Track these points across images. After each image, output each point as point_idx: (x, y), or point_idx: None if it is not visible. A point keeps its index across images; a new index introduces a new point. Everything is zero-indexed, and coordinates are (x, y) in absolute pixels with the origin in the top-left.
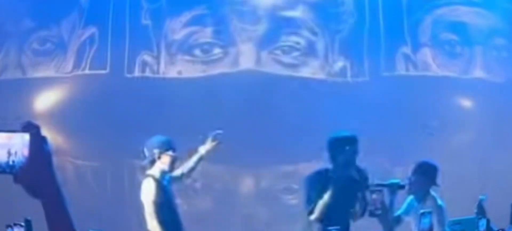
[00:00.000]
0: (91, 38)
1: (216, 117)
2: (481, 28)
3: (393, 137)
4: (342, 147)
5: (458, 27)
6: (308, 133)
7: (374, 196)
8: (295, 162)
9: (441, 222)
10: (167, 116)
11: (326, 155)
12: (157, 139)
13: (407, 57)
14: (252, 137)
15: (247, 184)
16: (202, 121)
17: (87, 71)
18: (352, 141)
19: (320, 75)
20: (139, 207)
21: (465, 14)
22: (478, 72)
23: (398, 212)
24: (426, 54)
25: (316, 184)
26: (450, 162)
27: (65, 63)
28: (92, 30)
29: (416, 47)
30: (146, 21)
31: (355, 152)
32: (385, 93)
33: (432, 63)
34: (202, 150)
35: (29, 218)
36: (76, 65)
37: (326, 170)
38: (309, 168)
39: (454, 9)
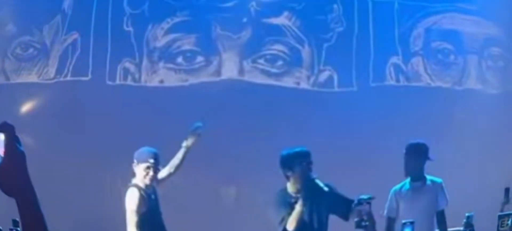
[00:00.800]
0: (73, 44)
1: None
2: (477, 37)
3: (381, 150)
4: (297, 162)
5: (452, 36)
6: (292, 145)
7: (360, 208)
8: (278, 173)
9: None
10: (148, 125)
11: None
12: (140, 150)
13: (397, 67)
14: (234, 148)
15: (229, 194)
16: (183, 130)
17: (69, 78)
18: (305, 155)
19: (305, 85)
20: (119, 213)
21: (459, 22)
22: (472, 83)
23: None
24: (418, 64)
25: (282, 201)
26: (442, 174)
27: (47, 69)
28: (74, 36)
29: (408, 56)
30: (128, 27)
31: (309, 165)
32: (374, 105)
33: (424, 73)
34: (185, 144)
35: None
36: (59, 72)
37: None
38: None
39: (448, 17)
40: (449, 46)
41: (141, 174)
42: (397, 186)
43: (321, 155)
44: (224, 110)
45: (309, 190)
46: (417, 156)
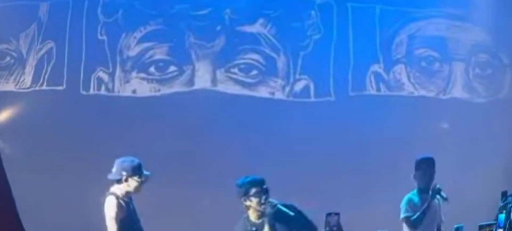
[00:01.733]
0: (48, 53)
1: (170, 137)
2: (463, 43)
3: (360, 162)
4: (254, 191)
5: (437, 42)
6: (267, 158)
7: (329, 219)
8: None
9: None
10: (121, 135)
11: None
12: (129, 161)
13: (378, 76)
14: (207, 159)
15: (203, 206)
16: (156, 141)
17: (44, 87)
18: (260, 182)
19: (281, 96)
20: (97, 221)
21: (445, 28)
22: (458, 92)
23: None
24: (401, 72)
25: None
26: None
27: (24, 77)
28: (49, 44)
29: (389, 64)
30: (102, 36)
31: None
32: (353, 115)
33: (407, 82)
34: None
35: None
36: (35, 81)
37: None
38: None
39: (433, 22)
40: (434, 53)
41: (132, 185)
42: (409, 195)
43: (297, 167)
44: (197, 122)
45: (272, 216)
46: (432, 168)
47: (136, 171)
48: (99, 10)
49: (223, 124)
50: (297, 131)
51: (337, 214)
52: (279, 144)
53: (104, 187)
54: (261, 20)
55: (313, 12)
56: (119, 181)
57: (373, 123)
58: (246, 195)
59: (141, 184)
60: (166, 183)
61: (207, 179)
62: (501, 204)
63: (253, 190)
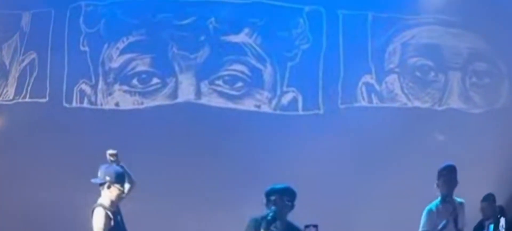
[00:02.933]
0: (31, 64)
1: (153, 151)
2: (460, 51)
3: (349, 178)
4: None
5: (432, 51)
6: (252, 172)
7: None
8: (238, 204)
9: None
10: (105, 148)
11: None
12: (113, 168)
13: (370, 87)
14: (191, 174)
15: (186, 218)
16: (139, 154)
17: (27, 99)
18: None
19: (267, 109)
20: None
21: (440, 35)
22: (454, 102)
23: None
24: (394, 82)
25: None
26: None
27: (7, 89)
28: (32, 55)
29: (382, 74)
30: (84, 47)
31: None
32: (342, 129)
33: (400, 93)
34: None
35: None
36: (18, 93)
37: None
38: (251, 208)
39: (428, 30)
40: (429, 62)
41: (113, 193)
42: (430, 206)
43: (285, 182)
44: (180, 135)
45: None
46: (454, 175)
47: (119, 178)
48: (81, 20)
49: (207, 138)
50: (284, 146)
51: (315, 226)
52: (266, 158)
53: (88, 199)
54: (246, 30)
55: (301, 20)
56: (102, 185)
57: (364, 136)
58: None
59: (122, 193)
60: (149, 196)
61: (191, 192)
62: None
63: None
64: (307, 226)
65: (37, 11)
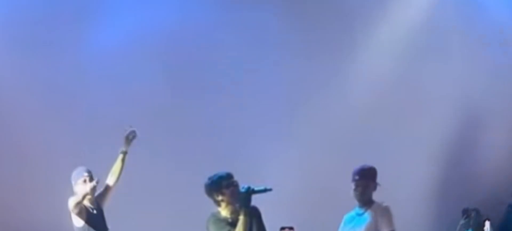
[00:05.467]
0: None
1: None
2: None
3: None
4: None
5: None
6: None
7: None
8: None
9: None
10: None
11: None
12: (73, 172)
13: None
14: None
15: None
16: None
17: None
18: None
19: None
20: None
21: None
22: None
23: None
24: None
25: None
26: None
27: None
28: None
29: None
30: None
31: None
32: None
33: None
34: (122, 150)
35: None
36: None
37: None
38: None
39: None
40: None
41: (80, 189)
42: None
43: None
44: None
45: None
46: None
47: (78, 175)
48: None
49: None
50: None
51: (291, 228)
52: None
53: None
54: None
55: None
56: (77, 191)
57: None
58: (218, 191)
59: (91, 181)
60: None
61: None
62: (462, 222)
63: (224, 184)
64: (282, 228)
65: None
